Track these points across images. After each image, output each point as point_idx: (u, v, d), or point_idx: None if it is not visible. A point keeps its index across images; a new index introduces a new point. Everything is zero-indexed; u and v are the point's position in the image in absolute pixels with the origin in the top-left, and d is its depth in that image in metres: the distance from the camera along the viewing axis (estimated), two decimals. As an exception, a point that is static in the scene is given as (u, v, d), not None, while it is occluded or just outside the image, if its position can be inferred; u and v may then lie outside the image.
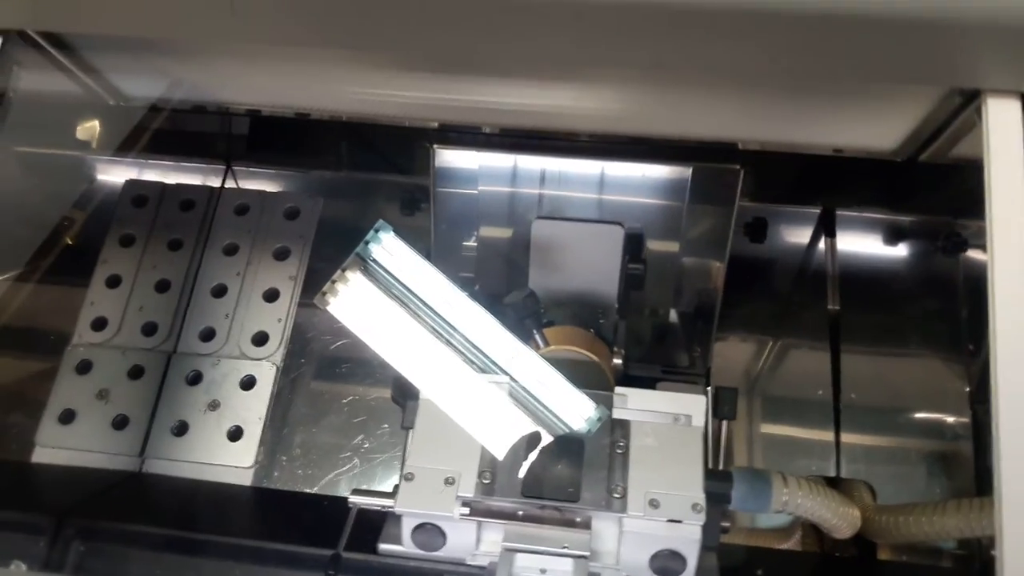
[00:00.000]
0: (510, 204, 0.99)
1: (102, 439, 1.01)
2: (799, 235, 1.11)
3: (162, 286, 1.11)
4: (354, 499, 0.77)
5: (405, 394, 0.79)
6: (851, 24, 0.54)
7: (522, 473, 0.74)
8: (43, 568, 0.80)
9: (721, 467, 0.82)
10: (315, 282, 1.04)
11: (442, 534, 0.75)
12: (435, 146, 0.95)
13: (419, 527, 0.75)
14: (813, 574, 0.89)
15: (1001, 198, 0.56)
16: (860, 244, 1.10)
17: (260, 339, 1.08)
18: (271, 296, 1.10)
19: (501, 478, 0.74)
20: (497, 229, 1.01)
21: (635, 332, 0.99)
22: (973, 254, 0.99)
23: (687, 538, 0.71)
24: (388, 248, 0.73)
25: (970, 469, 0.94)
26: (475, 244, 1.03)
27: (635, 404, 0.78)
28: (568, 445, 0.74)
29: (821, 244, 1.10)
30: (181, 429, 1.02)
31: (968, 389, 0.98)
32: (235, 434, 1.02)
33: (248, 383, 1.05)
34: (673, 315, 1.04)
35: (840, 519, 0.78)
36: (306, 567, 0.80)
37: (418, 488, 0.74)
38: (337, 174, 1.20)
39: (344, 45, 0.71)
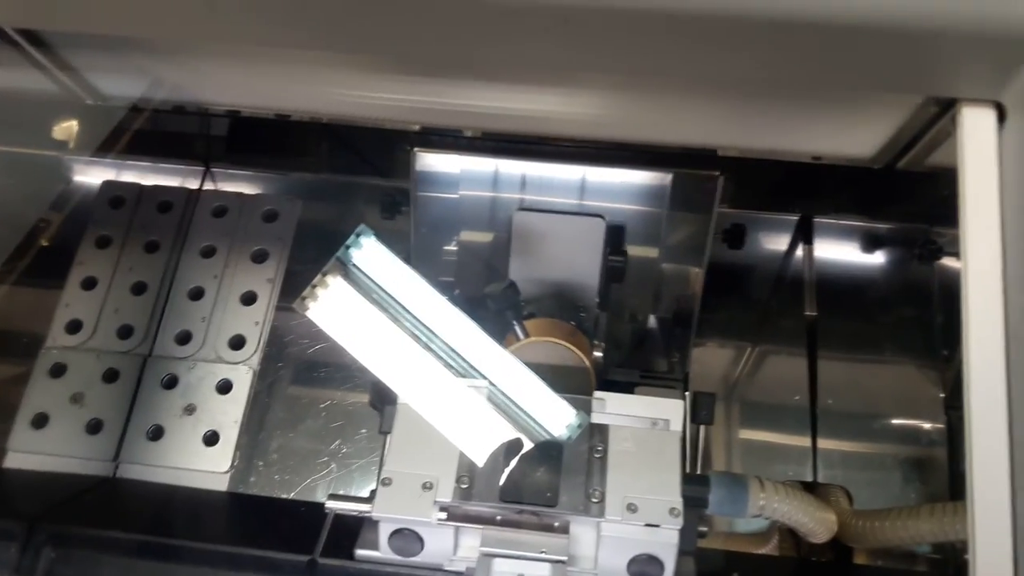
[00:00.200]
0: (491, 208, 0.99)
1: (76, 443, 1.00)
2: (777, 242, 1.12)
3: (138, 288, 1.09)
4: (331, 504, 0.77)
5: (383, 399, 0.79)
6: (829, 32, 0.54)
7: (500, 478, 0.74)
8: (14, 575, 0.79)
9: (699, 472, 0.83)
10: (293, 285, 1.04)
11: (419, 539, 0.75)
12: (416, 149, 0.95)
13: (396, 532, 0.74)
14: (790, 578, 0.90)
15: (975, 206, 0.57)
16: (837, 251, 1.11)
17: (237, 343, 1.07)
18: (248, 299, 1.09)
19: (479, 483, 0.74)
20: (477, 233, 1.01)
21: (614, 337, 1.00)
22: (948, 261, 1.01)
23: (665, 542, 0.71)
24: (369, 252, 0.73)
25: (945, 474, 0.95)
26: (455, 248, 1.03)
27: (613, 408, 0.78)
28: (546, 449, 0.74)
29: (799, 251, 1.11)
30: (156, 433, 1.01)
31: (943, 395, 0.99)
32: (211, 439, 1.01)
33: (224, 387, 1.04)
34: (652, 320, 1.05)
35: (817, 523, 0.79)
36: (283, 573, 0.79)
37: (395, 493, 0.74)
38: (317, 176, 1.19)
39: (326, 47, 0.71)
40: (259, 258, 1.12)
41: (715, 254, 0.98)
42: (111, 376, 1.04)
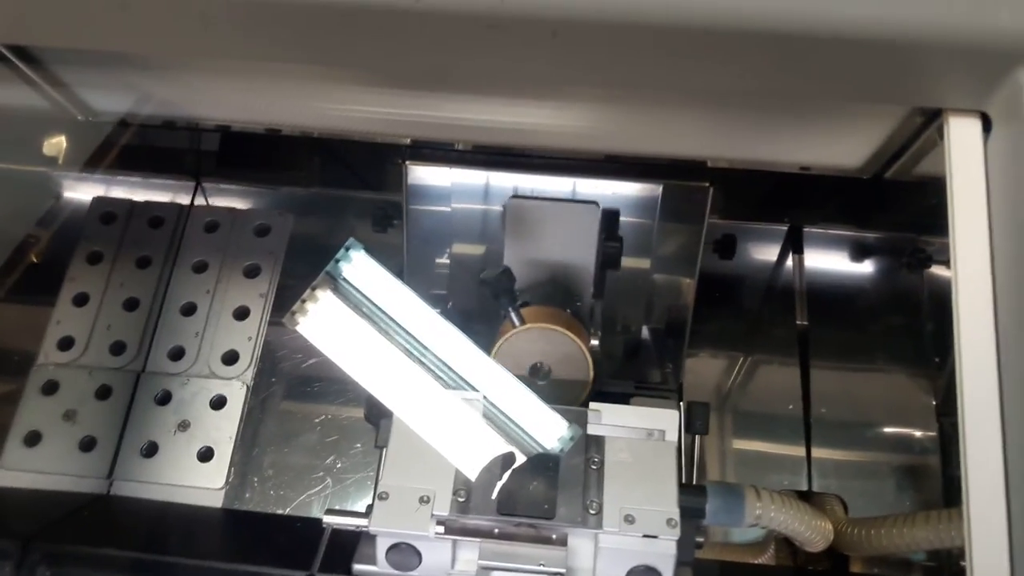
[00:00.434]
0: (483, 221, 1.00)
1: (69, 461, 1.00)
2: (767, 252, 1.13)
3: (130, 304, 1.09)
4: (328, 519, 0.76)
5: (378, 413, 0.79)
6: (817, 45, 0.55)
7: (497, 491, 0.74)
8: (8, 594, 0.79)
9: (694, 482, 0.83)
10: (286, 299, 1.04)
11: (417, 553, 0.74)
12: (408, 163, 0.95)
13: (394, 547, 0.74)
14: (787, 587, 0.90)
15: (964, 215, 0.57)
16: (827, 260, 1.12)
17: (230, 358, 1.07)
18: (241, 314, 1.09)
19: (476, 496, 0.73)
20: (469, 246, 1.02)
21: (607, 348, 1.00)
22: (937, 270, 1.02)
23: (663, 553, 0.71)
24: (359, 266, 0.73)
25: (938, 481, 0.96)
26: (448, 261, 1.03)
27: (609, 420, 0.78)
28: (543, 462, 0.74)
29: (789, 261, 1.12)
30: (150, 450, 1.00)
31: (935, 402, 1.00)
32: (205, 455, 1.00)
33: (218, 403, 1.04)
34: (645, 332, 1.05)
35: (813, 532, 0.79)
36: (281, 589, 0.79)
37: (392, 507, 0.74)
38: (308, 191, 1.19)
39: (316, 61, 0.71)
40: (251, 273, 1.12)
41: (706, 264, 0.98)
42: (104, 393, 1.04)
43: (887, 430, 1.01)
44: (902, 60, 0.55)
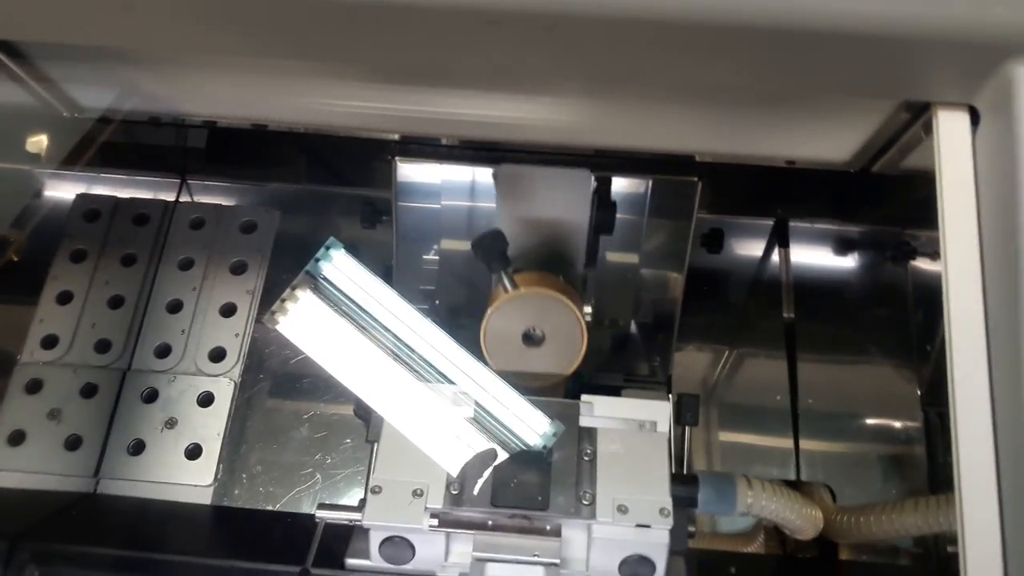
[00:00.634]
0: (471, 217, 1.00)
1: (54, 460, 0.99)
2: (754, 246, 1.14)
3: (115, 302, 1.08)
4: (321, 514, 0.76)
5: (368, 408, 0.79)
6: (806, 39, 0.55)
7: (491, 483, 0.74)
8: (-4, 594, 0.78)
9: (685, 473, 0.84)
10: (273, 297, 1.03)
11: (411, 547, 0.74)
12: (396, 159, 0.95)
13: (387, 540, 0.74)
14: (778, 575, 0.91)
15: (953, 208, 0.58)
16: (813, 254, 1.13)
17: (217, 355, 1.06)
18: (228, 311, 1.09)
19: (469, 488, 0.74)
20: (458, 242, 1.02)
21: (596, 343, 1.00)
22: (921, 263, 1.03)
23: (656, 543, 0.72)
24: (339, 265, 0.73)
25: (923, 469, 0.97)
26: (437, 257, 1.03)
27: (601, 411, 0.78)
28: (536, 454, 0.75)
29: (775, 255, 1.13)
30: (137, 448, 1.00)
31: (919, 392, 1.01)
32: (193, 452, 1.00)
33: (206, 400, 1.03)
34: (633, 326, 1.06)
35: (803, 520, 0.80)
36: (274, 584, 0.79)
37: (386, 501, 0.74)
38: (295, 187, 1.19)
39: (307, 56, 0.71)
40: (238, 270, 1.11)
41: (693, 258, 0.99)
42: (89, 391, 1.03)
43: (873, 420, 1.03)
44: (891, 54, 0.56)
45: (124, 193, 1.17)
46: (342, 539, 0.78)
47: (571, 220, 0.91)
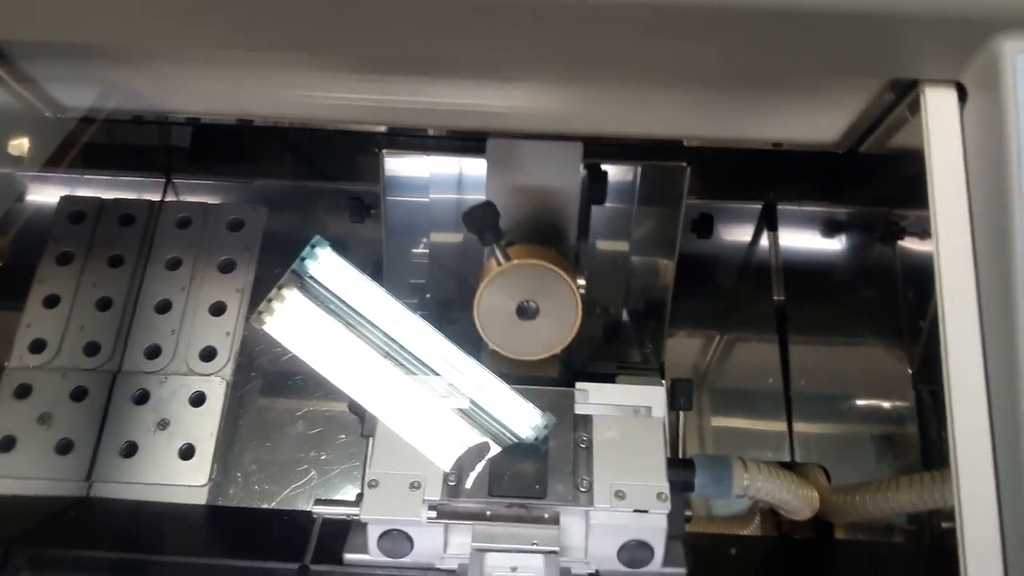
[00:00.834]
0: (461, 210, 0.99)
1: (46, 465, 0.98)
2: (743, 230, 1.14)
3: (103, 304, 1.07)
4: (318, 509, 0.76)
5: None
6: (793, 19, 0.55)
7: (488, 473, 0.74)
8: (-9, 600, 0.77)
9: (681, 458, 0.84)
10: (263, 293, 1.02)
11: (409, 540, 0.74)
12: (384, 152, 0.94)
13: (385, 534, 0.74)
14: (776, 557, 0.91)
15: (943, 185, 0.58)
16: (802, 236, 1.13)
17: (208, 354, 1.05)
18: (217, 310, 1.08)
19: (466, 479, 0.74)
20: (448, 235, 1.01)
21: (589, 331, 1.00)
22: (910, 242, 1.03)
23: (654, 527, 0.72)
24: (325, 264, 0.72)
25: (916, 447, 0.98)
26: (427, 251, 1.03)
27: (596, 399, 0.79)
28: (532, 443, 0.75)
29: (764, 238, 1.13)
30: (130, 450, 0.99)
31: (911, 371, 1.02)
32: (187, 452, 0.99)
33: (198, 399, 1.03)
34: (625, 313, 1.06)
35: (800, 501, 0.81)
36: (274, 582, 0.79)
37: (383, 495, 0.74)
38: (282, 183, 1.18)
39: (291, 48, 0.70)
40: (226, 268, 1.10)
41: (684, 244, 0.99)
42: (79, 395, 1.02)
43: (865, 400, 1.04)
44: (877, 32, 0.56)
45: (109, 194, 1.15)
46: (340, 534, 0.78)
47: (562, 191, 0.90)
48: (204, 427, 1.01)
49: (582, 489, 0.73)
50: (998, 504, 0.54)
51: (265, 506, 0.99)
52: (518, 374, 0.79)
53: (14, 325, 1.06)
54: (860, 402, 1.04)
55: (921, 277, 1.00)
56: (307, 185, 1.18)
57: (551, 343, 0.79)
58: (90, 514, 0.93)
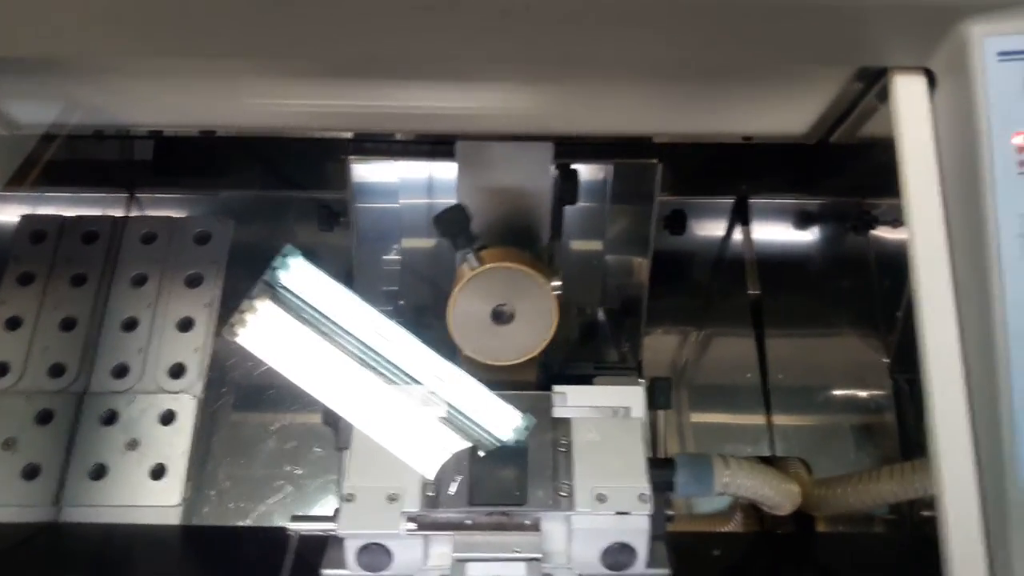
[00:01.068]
0: (431, 214, 0.98)
1: (11, 491, 0.95)
2: (716, 225, 1.14)
3: (67, 324, 1.05)
4: (294, 526, 0.75)
5: (337, 415, 0.77)
6: (756, 7, 0.55)
7: (467, 482, 0.73)
8: (-42, 634, 0.75)
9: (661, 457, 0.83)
10: (232, 308, 1.01)
11: (388, 553, 0.73)
12: (351, 159, 0.93)
13: (364, 548, 0.73)
14: (758, 552, 0.91)
15: (915, 173, 0.58)
16: (774, 229, 1.13)
17: (177, 371, 1.03)
18: (185, 325, 1.06)
19: (446, 489, 0.72)
20: (420, 240, 1.00)
21: (565, 332, 0.99)
22: (882, 232, 1.04)
23: (636, 529, 0.71)
24: (297, 273, 0.71)
25: (895, 436, 0.98)
26: (398, 257, 1.01)
27: (574, 401, 0.78)
28: (511, 448, 0.74)
29: (737, 232, 1.13)
30: (99, 472, 0.97)
31: (887, 360, 1.02)
32: (158, 472, 0.97)
33: (168, 418, 1.00)
34: (601, 313, 1.05)
35: (781, 495, 0.80)
36: (250, 602, 0.77)
37: (360, 508, 0.72)
38: (247, 193, 1.16)
39: (250, 54, 0.69)
40: (194, 282, 1.08)
41: (657, 241, 0.98)
42: (45, 417, 1.00)
43: (843, 391, 1.04)
44: (845, 19, 0.56)
45: (71, 211, 1.13)
46: (318, 550, 0.76)
47: (533, 192, 0.89)
48: (175, 446, 0.99)
49: (563, 494, 0.72)
50: (979, 491, 0.54)
51: (240, 524, 0.97)
52: (494, 379, 0.78)
53: (-25, 349, 1.03)
54: (838, 393, 1.04)
55: (894, 266, 1.01)
56: (274, 195, 1.16)
57: (529, 346, 0.78)
58: (59, 539, 0.91)
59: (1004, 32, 0.54)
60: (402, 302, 1.03)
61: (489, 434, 0.73)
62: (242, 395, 1.06)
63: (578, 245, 0.99)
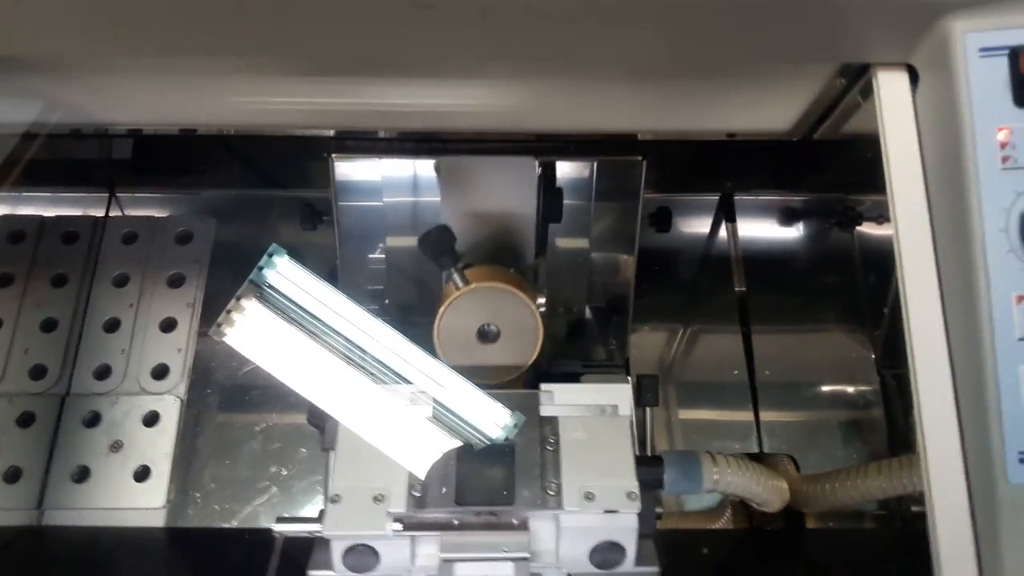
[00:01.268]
0: (416, 212, 0.98)
1: (-7, 495, 0.94)
2: (701, 222, 1.14)
3: (48, 325, 1.04)
4: (280, 528, 0.74)
5: (322, 415, 0.76)
6: (739, 5, 0.55)
7: (454, 482, 0.72)
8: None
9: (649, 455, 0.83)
10: (215, 308, 1.00)
11: (375, 554, 0.72)
12: (334, 157, 0.92)
13: (350, 550, 0.72)
14: (748, 549, 0.91)
15: (899, 168, 0.58)
16: (760, 226, 1.13)
17: (160, 372, 1.02)
18: (168, 326, 1.05)
19: (433, 489, 0.72)
20: (404, 239, 0.99)
21: (551, 331, 0.99)
22: (867, 228, 1.04)
23: (624, 527, 0.71)
24: (284, 272, 0.70)
25: (882, 431, 0.98)
26: (383, 256, 1.01)
27: (561, 399, 0.77)
28: (498, 448, 0.73)
29: (723, 229, 1.13)
30: (82, 475, 0.96)
31: (874, 356, 1.02)
32: (142, 474, 0.96)
33: (151, 419, 0.99)
34: (588, 311, 1.05)
35: (770, 492, 0.80)
36: (235, 605, 0.76)
37: (346, 509, 0.71)
38: (229, 192, 1.15)
39: (230, 52, 0.68)
40: (176, 282, 1.07)
41: (643, 239, 0.98)
42: (26, 420, 0.99)
43: (830, 387, 1.04)
44: (827, 16, 0.56)
45: (50, 211, 1.11)
46: (304, 552, 0.76)
47: (518, 210, 0.89)
48: (159, 447, 0.98)
49: (551, 492, 0.71)
50: (967, 485, 0.54)
51: (226, 525, 0.96)
52: (482, 382, 0.77)
53: (-45, 352, 1.02)
54: (825, 389, 1.04)
55: (880, 261, 1.01)
56: (256, 193, 1.15)
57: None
58: (42, 543, 0.90)
59: (986, 28, 0.54)
60: (388, 300, 1.03)
61: (477, 432, 0.73)
62: (227, 395, 1.05)
63: (564, 243, 0.98)
